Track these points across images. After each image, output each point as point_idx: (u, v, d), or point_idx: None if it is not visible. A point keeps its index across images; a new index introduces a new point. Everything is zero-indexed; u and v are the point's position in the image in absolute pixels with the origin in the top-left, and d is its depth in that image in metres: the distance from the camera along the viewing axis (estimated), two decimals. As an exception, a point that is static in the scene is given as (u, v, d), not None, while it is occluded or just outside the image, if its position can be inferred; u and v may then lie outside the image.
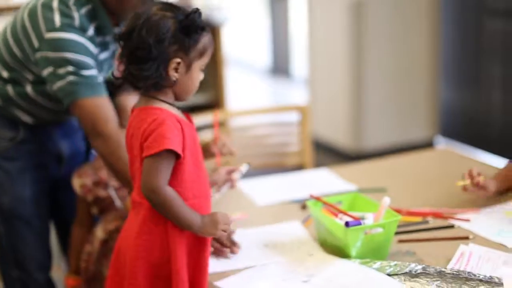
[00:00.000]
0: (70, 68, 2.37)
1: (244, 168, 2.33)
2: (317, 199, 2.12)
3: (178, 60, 1.84)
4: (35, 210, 2.67)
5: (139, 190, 1.87)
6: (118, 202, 2.54)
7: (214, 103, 4.16)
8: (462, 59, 5.87)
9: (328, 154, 6.06)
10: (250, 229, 2.26)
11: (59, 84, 2.39)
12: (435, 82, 5.98)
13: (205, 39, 1.88)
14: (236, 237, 2.17)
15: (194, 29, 1.85)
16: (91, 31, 2.44)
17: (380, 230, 1.98)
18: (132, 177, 1.93)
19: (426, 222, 2.23)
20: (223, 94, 4.10)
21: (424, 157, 2.98)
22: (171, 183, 1.83)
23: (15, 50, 2.50)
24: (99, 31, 2.48)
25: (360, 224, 1.96)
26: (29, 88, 2.55)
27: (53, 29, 2.39)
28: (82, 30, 2.41)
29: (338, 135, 6.04)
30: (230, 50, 10.39)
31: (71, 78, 2.37)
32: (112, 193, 2.56)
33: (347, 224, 1.94)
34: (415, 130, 5.98)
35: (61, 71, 2.37)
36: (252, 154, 3.50)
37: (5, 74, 2.58)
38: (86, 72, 2.38)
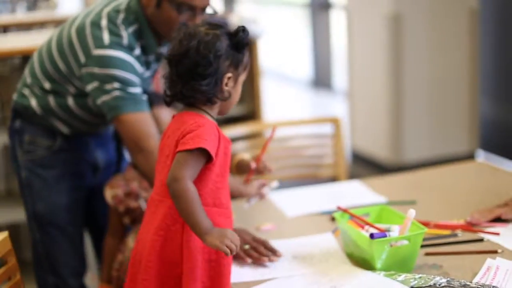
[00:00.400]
0: (116, 85, 2.44)
1: (274, 184, 2.34)
2: (344, 210, 2.12)
3: (230, 75, 1.93)
4: (70, 218, 2.71)
5: (161, 189, 1.93)
6: None
7: (251, 115, 4.17)
8: (502, 71, 5.82)
9: (367, 166, 6.04)
10: (280, 241, 2.26)
11: (104, 98, 2.46)
12: (475, 95, 5.94)
13: (247, 54, 1.99)
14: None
15: (242, 46, 1.95)
16: (137, 51, 2.51)
17: (405, 242, 1.97)
18: (156, 176, 1.98)
19: (455, 235, 2.21)
20: (260, 105, 4.12)
21: (458, 170, 2.95)
22: (196, 185, 1.86)
23: (60, 64, 2.57)
24: (144, 50, 2.53)
25: (385, 236, 1.96)
26: (70, 101, 2.61)
27: (101, 46, 2.46)
28: (129, 49, 2.48)
29: (377, 147, 6.02)
30: (271, 62, 10.44)
31: (117, 93, 2.44)
32: (143, 204, 2.59)
33: (372, 236, 1.94)
34: (455, 144, 5.93)
35: (108, 86, 2.44)
36: (287, 165, 3.52)
37: (47, 85, 2.64)
38: (131, 89, 2.45)
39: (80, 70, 2.50)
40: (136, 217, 2.62)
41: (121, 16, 2.52)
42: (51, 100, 2.65)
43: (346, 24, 6.32)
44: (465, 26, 5.81)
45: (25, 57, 3.98)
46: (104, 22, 2.50)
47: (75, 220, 2.74)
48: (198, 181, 1.88)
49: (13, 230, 4.20)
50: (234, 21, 3.91)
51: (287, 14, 11.19)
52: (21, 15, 7.95)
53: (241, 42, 1.94)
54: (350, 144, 6.40)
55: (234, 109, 4.08)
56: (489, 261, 2.00)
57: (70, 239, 2.77)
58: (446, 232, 2.23)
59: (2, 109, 4.12)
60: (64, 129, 2.70)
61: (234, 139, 3.33)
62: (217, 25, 1.97)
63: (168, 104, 1.98)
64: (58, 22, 5.42)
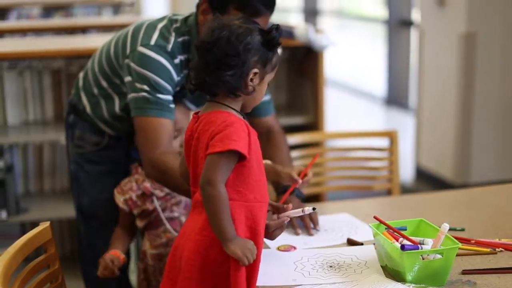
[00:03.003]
0: (146, 87, 2.48)
1: (307, 210, 2.25)
2: (380, 221, 2.10)
3: (256, 70, 1.94)
4: (110, 213, 2.75)
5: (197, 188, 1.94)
6: (162, 215, 2.59)
7: (313, 125, 4.18)
8: None
9: (431, 184, 5.97)
10: (320, 249, 2.26)
11: (133, 95, 2.52)
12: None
13: (277, 54, 1.99)
14: (304, 256, 2.19)
15: (274, 44, 1.96)
16: (178, 60, 2.53)
17: (438, 256, 1.95)
18: (194, 181, 1.98)
19: (495, 253, 2.18)
20: (322, 116, 4.12)
21: (505, 190, 2.91)
22: (235, 183, 1.90)
23: (112, 54, 2.65)
24: (188, 63, 2.55)
25: (417, 248, 1.94)
26: (117, 104, 2.67)
27: (146, 45, 2.51)
28: (171, 56, 2.51)
29: (444, 166, 5.95)
30: (347, 76, 10.43)
31: (144, 94, 2.48)
32: (157, 204, 2.60)
33: (403, 247, 1.92)
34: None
35: (138, 85, 2.49)
36: (343, 175, 3.52)
37: (95, 90, 2.76)
38: (160, 95, 2.48)
39: (124, 59, 2.56)
40: (151, 220, 2.63)
41: (176, 24, 2.57)
42: (102, 104, 2.74)
43: (418, 41, 6.28)
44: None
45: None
46: (160, 25, 2.56)
47: (116, 216, 2.79)
48: (238, 179, 1.91)
49: (73, 224, 4.29)
50: (300, 30, 3.90)
51: (368, 29, 11.16)
52: (106, 18, 8.13)
53: (273, 40, 1.95)
54: (414, 161, 6.35)
55: (296, 118, 4.16)
56: (524, 281, 1.96)
57: (111, 233, 2.81)
58: (486, 250, 2.19)
59: (69, 107, 4.21)
60: (109, 131, 2.77)
61: (293, 147, 3.35)
62: (252, 21, 1.99)
63: (192, 92, 2.00)
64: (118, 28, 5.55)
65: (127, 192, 2.61)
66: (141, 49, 2.51)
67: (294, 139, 3.42)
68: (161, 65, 2.49)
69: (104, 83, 2.71)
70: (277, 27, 1.97)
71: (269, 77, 1.99)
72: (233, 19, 1.97)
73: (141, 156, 2.52)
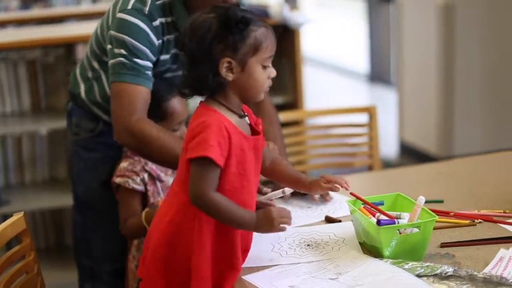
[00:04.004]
0: (123, 51, 2.41)
1: (287, 190, 2.21)
2: (357, 197, 2.08)
3: (228, 59, 1.81)
4: (106, 202, 2.70)
5: (179, 180, 1.90)
6: (162, 197, 2.54)
7: (293, 103, 4.16)
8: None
9: (415, 159, 5.97)
10: (296, 228, 2.23)
11: (111, 61, 2.45)
12: (530, 88, 5.81)
13: (256, 32, 1.84)
14: (281, 235, 2.15)
15: (235, 24, 1.81)
16: (158, 22, 2.45)
17: (415, 230, 1.93)
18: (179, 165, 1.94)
19: (474, 225, 2.16)
20: (302, 94, 4.10)
21: (486, 161, 2.89)
22: None
23: (100, 36, 2.59)
24: (174, 26, 2.49)
25: (393, 223, 1.92)
26: (106, 84, 2.62)
27: (124, 9, 2.44)
28: (149, 18, 2.43)
29: (427, 140, 5.94)
30: (328, 54, 10.40)
31: (121, 59, 2.41)
32: (159, 185, 2.55)
33: (379, 222, 1.91)
34: (506, 139, 5.81)
35: (116, 51, 2.42)
36: (324, 153, 3.51)
37: (90, 74, 2.69)
38: (138, 60, 2.41)
39: (107, 32, 2.50)
40: (155, 201, 2.58)
41: None
42: (95, 87, 2.68)
43: (397, 15, 6.26)
44: (520, 18, 5.69)
45: (70, 45, 4.05)
46: None
47: (113, 204, 2.75)
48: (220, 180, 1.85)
49: (57, 215, 4.27)
50: (274, 8, 3.87)
51: (349, 7, 11.12)
52: (84, 6, 8.06)
53: (232, 21, 1.80)
54: (398, 136, 6.35)
55: (275, 97, 4.14)
56: (502, 251, 1.95)
57: (106, 224, 2.76)
58: (465, 222, 2.18)
59: (46, 97, 4.18)
60: (103, 116, 2.72)
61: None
62: (219, 7, 1.87)
63: (186, 95, 1.95)
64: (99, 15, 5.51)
65: (139, 173, 2.53)
66: (119, 14, 2.44)
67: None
68: (138, 27, 2.41)
69: (95, 65, 2.65)
70: (232, 7, 1.86)
71: (256, 59, 1.84)
72: (200, 12, 1.88)
73: (115, 123, 2.42)
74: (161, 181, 2.54)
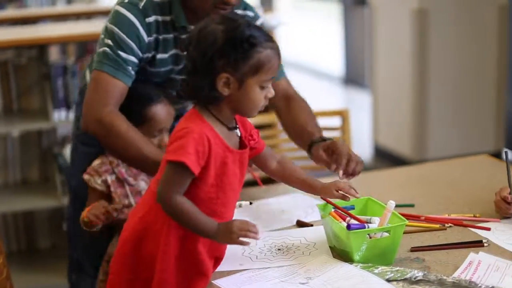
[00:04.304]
0: (110, 41, 2.40)
1: (244, 204, 2.23)
2: (327, 201, 2.08)
3: (226, 75, 1.80)
4: None
5: (157, 180, 1.89)
6: (132, 200, 2.53)
7: (265, 107, 4.17)
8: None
9: (389, 162, 5.99)
10: (268, 232, 2.23)
11: (99, 49, 2.44)
12: (502, 92, 5.85)
13: (260, 54, 1.81)
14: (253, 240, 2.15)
15: (240, 43, 1.80)
16: (152, 19, 2.42)
17: (385, 234, 1.93)
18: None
19: (444, 229, 2.17)
20: (275, 98, 4.11)
21: (459, 165, 2.91)
22: (187, 194, 1.83)
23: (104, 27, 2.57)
24: (172, 26, 2.46)
25: (363, 227, 1.93)
26: None
27: (121, 2, 2.44)
28: (143, 14, 2.41)
29: (401, 143, 5.97)
30: (303, 57, 10.41)
31: (106, 49, 2.40)
32: (128, 189, 2.54)
33: (348, 227, 1.91)
34: (481, 142, 5.85)
35: (105, 40, 2.41)
36: (297, 156, 3.50)
37: None
38: (121, 53, 2.39)
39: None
40: (121, 203, 2.57)
41: None
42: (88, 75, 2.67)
43: (371, 19, 6.29)
44: (493, 22, 5.72)
45: (43, 47, 4.02)
46: None
47: None
48: (190, 190, 1.84)
49: (29, 218, 4.25)
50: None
51: (324, 9, 11.16)
52: (59, 7, 8.03)
53: (239, 39, 1.79)
54: (372, 139, 6.37)
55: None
56: (472, 255, 1.96)
57: None
58: (436, 226, 2.18)
59: (18, 99, 4.15)
60: None
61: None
62: (230, 18, 1.85)
63: (183, 98, 1.95)
64: (92, 14, 5.48)
65: (103, 174, 2.53)
66: (116, 7, 2.44)
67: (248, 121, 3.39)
68: (129, 21, 2.39)
69: None
70: (243, 23, 1.83)
71: (255, 80, 1.81)
72: (213, 18, 1.86)
73: (86, 111, 2.42)
74: (129, 184, 2.52)
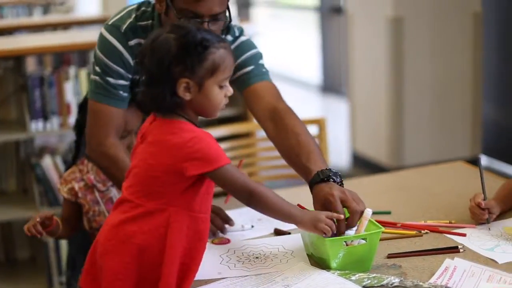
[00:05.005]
0: (98, 69, 2.42)
1: (246, 227, 2.34)
2: (301, 207, 2.09)
3: (186, 80, 1.83)
4: None
5: (133, 190, 1.89)
6: (102, 207, 2.56)
7: (243, 116, 4.19)
8: (506, 76, 5.77)
9: (367, 169, 6.02)
10: (246, 240, 2.25)
11: (91, 76, 2.47)
12: (478, 99, 5.90)
13: (214, 55, 1.86)
14: (231, 248, 2.19)
15: (194, 47, 1.83)
16: (134, 42, 2.43)
17: (362, 241, 1.95)
18: (127, 175, 1.94)
19: (421, 236, 2.19)
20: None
21: (435, 172, 2.93)
22: (187, 195, 1.86)
23: None
24: None
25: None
26: None
27: (106, 24, 2.46)
28: (125, 37, 2.42)
29: (378, 151, 6.00)
30: (281, 65, 10.44)
31: (95, 78, 2.43)
32: (97, 195, 2.57)
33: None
34: (457, 148, 5.90)
35: (94, 67, 2.44)
36: (275, 165, 3.52)
37: None
38: (110, 79, 2.41)
39: None
40: (89, 209, 2.58)
41: (146, 8, 2.45)
42: None
43: (347, 27, 6.32)
44: (468, 30, 5.78)
45: (19, 58, 4.02)
46: (131, 7, 2.47)
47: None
48: (192, 190, 1.87)
49: (7, 228, 4.24)
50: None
51: (301, 18, 11.19)
52: (36, 18, 8.02)
53: (191, 44, 1.83)
54: (350, 147, 6.40)
55: (225, 110, 4.15)
56: (448, 261, 1.98)
57: None
58: (412, 232, 2.20)
59: (-5, 109, 4.15)
60: None
61: (224, 139, 3.35)
62: (179, 26, 1.89)
63: (143, 111, 1.96)
64: (69, 24, 5.49)
65: (70, 182, 2.56)
66: (101, 29, 2.45)
67: (224, 130, 3.42)
68: (112, 46, 2.40)
69: None
70: (196, 27, 1.88)
71: (213, 80, 1.85)
72: (162, 29, 1.90)
73: (89, 140, 2.47)
74: (99, 191, 2.55)
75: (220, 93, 1.89)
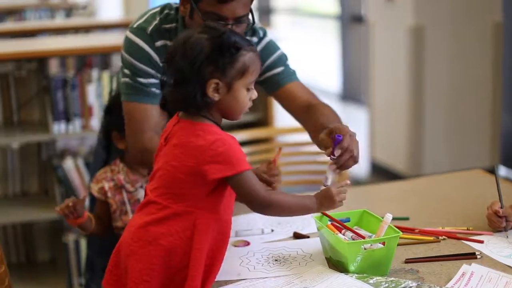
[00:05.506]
0: (127, 71, 2.46)
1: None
2: (323, 213, 2.12)
3: (216, 81, 1.87)
4: None
5: (160, 192, 1.92)
6: (128, 207, 2.59)
7: (264, 121, 4.22)
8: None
9: (385, 178, 6.02)
10: (265, 244, 2.27)
11: (121, 79, 2.51)
12: (498, 109, 5.90)
13: (244, 57, 1.90)
14: (250, 250, 2.21)
15: (227, 48, 1.87)
16: (160, 43, 2.46)
17: (380, 245, 1.97)
18: (152, 177, 1.97)
19: (438, 242, 2.21)
20: (272, 112, 4.17)
21: (453, 179, 2.95)
22: (213, 204, 1.91)
23: None
24: None
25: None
26: None
27: (131, 27, 2.50)
28: (151, 39, 2.45)
29: (397, 160, 6.01)
30: (300, 72, 10.44)
31: (126, 80, 2.47)
32: (125, 195, 2.61)
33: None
34: (476, 158, 5.89)
35: (124, 70, 2.48)
36: (294, 170, 3.55)
37: None
38: (141, 79, 2.45)
39: None
40: (118, 209, 2.62)
41: (169, 11, 2.50)
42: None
43: (368, 36, 6.34)
44: (488, 39, 5.78)
45: (42, 60, 4.06)
46: (154, 10, 2.51)
47: None
48: (217, 193, 1.91)
49: (28, 229, 4.27)
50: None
51: (322, 26, 11.21)
52: (59, 21, 8.08)
53: (225, 45, 1.87)
54: (369, 155, 6.41)
55: (247, 115, 4.19)
56: (465, 267, 1.99)
57: None
58: (430, 238, 2.22)
59: (18, 111, 4.19)
60: None
61: (245, 143, 3.38)
62: (210, 27, 1.92)
63: (166, 109, 1.99)
64: (91, 28, 5.53)
65: (101, 181, 2.61)
66: (127, 32, 2.49)
67: (244, 135, 3.46)
68: (139, 47, 2.44)
69: None
70: (226, 31, 1.91)
71: (242, 82, 1.90)
72: (197, 29, 1.93)
73: (129, 142, 2.51)
74: (128, 191, 2.59)
75: (247, 96, 1.93)
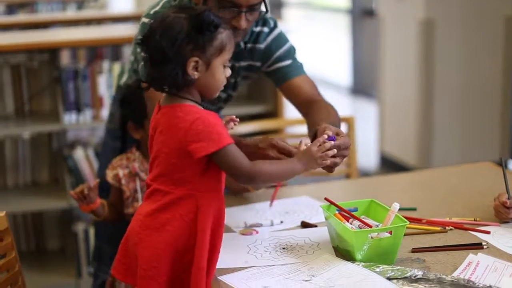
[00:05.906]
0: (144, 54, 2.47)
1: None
2: (331, 202, 2.14)
3: (196, 59, 1.89)
4: None
5: (161, 180, 1.94)
6: (140, 195, 2.62)
7: (273, 113, 4.24)
8: (536, 80, 5.76)
9: (394, 171, 6.03)
10: (273, 232, 2.29)
11: (140, 64, 2.52)
12: (508, 103, 5.89)
13: (222, 35, 1.93)
14: (258, 239, 2.23)
15: (206, 26, 1.90)
16: None
17: (386, 234, 1.99)
18: (151, 168, 1.99)
19: (445, 232, 2.22)
20: (282, 104, 4.18)
21: (461, 171, 2.96)
22: (212, 177, 1.92)
23: None
24: None
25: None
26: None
27: (146, 14, 2.53)
28: None
29: (406, 153, 6.01)
30: (312, 67, 10.45)
31: (143, 63, 2.47)
32: (138, 183, 2.63)
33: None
34: (485, 152, 5.88)
35: (141, 54, 2.46)
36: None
37: (134, 65, 2.77)
38: None
39: None
40: (131, 196, 2.65)
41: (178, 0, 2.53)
42: (133, 78, 2.78)
43: (379, 29, 6.34)
44: (499, 33, 5.77)
45: (54, 51, 4.09)
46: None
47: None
48: (212, 171, 1.92)
49: (38, 219, 4.30)
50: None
51: (333, 20, 11.21)
52: (70, 13, 8.11)
53: (205, 23, 1.89)
54: (378, 148, 6.42)
55: (256, 107, 4.21)
56: (471, 256, 2.01)
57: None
58: (437, 228, 2.24)
59: (30, 101, 4.21)
60: None
61: (254, 135, 3.39)
62: (186, 8, 1.96)
63: (144, 89, 2.00)
64: (103, 20, 5.55)
65: (116, 168, 2.65)
66: (142, 18, 2.52)
67: (254, 126, 3.47)
68: None
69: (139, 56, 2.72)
70: (208, 9, 1.94)
71: (219, 60, 1.93)
72: (169, 9, 1.95)
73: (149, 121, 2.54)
74: (141, 179, 2.62)
75: (223, 73, 1.97)
